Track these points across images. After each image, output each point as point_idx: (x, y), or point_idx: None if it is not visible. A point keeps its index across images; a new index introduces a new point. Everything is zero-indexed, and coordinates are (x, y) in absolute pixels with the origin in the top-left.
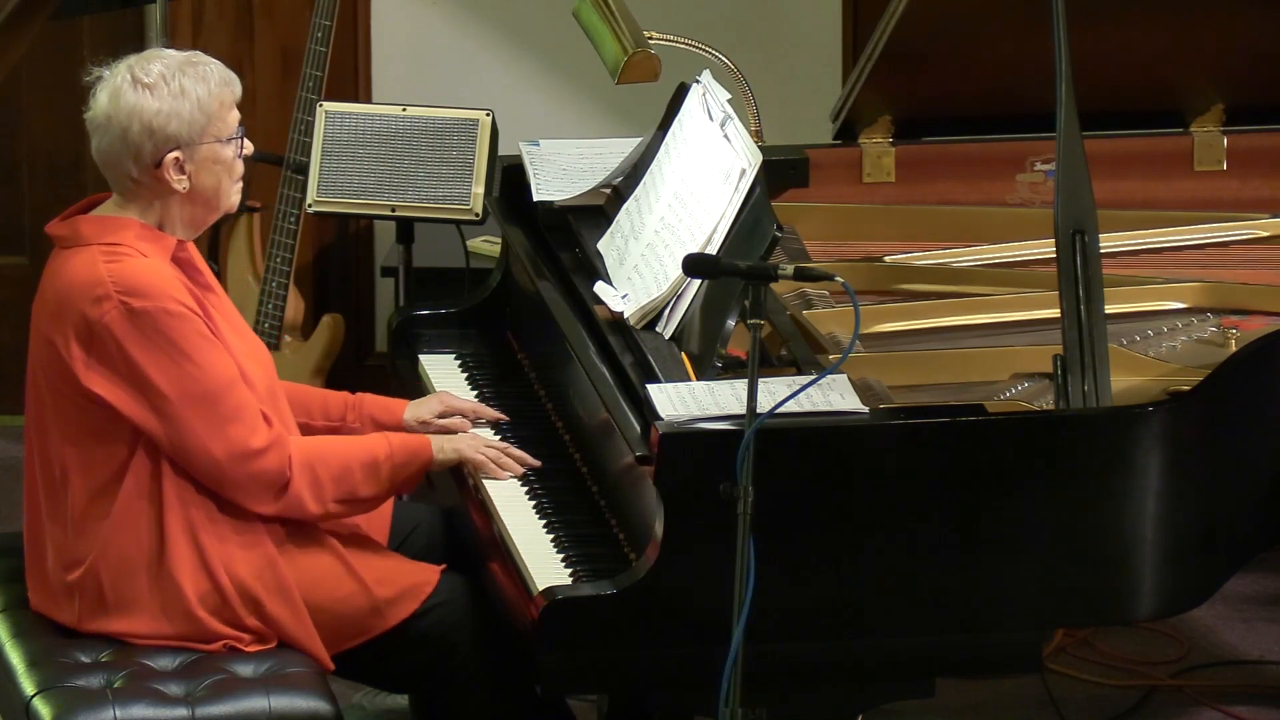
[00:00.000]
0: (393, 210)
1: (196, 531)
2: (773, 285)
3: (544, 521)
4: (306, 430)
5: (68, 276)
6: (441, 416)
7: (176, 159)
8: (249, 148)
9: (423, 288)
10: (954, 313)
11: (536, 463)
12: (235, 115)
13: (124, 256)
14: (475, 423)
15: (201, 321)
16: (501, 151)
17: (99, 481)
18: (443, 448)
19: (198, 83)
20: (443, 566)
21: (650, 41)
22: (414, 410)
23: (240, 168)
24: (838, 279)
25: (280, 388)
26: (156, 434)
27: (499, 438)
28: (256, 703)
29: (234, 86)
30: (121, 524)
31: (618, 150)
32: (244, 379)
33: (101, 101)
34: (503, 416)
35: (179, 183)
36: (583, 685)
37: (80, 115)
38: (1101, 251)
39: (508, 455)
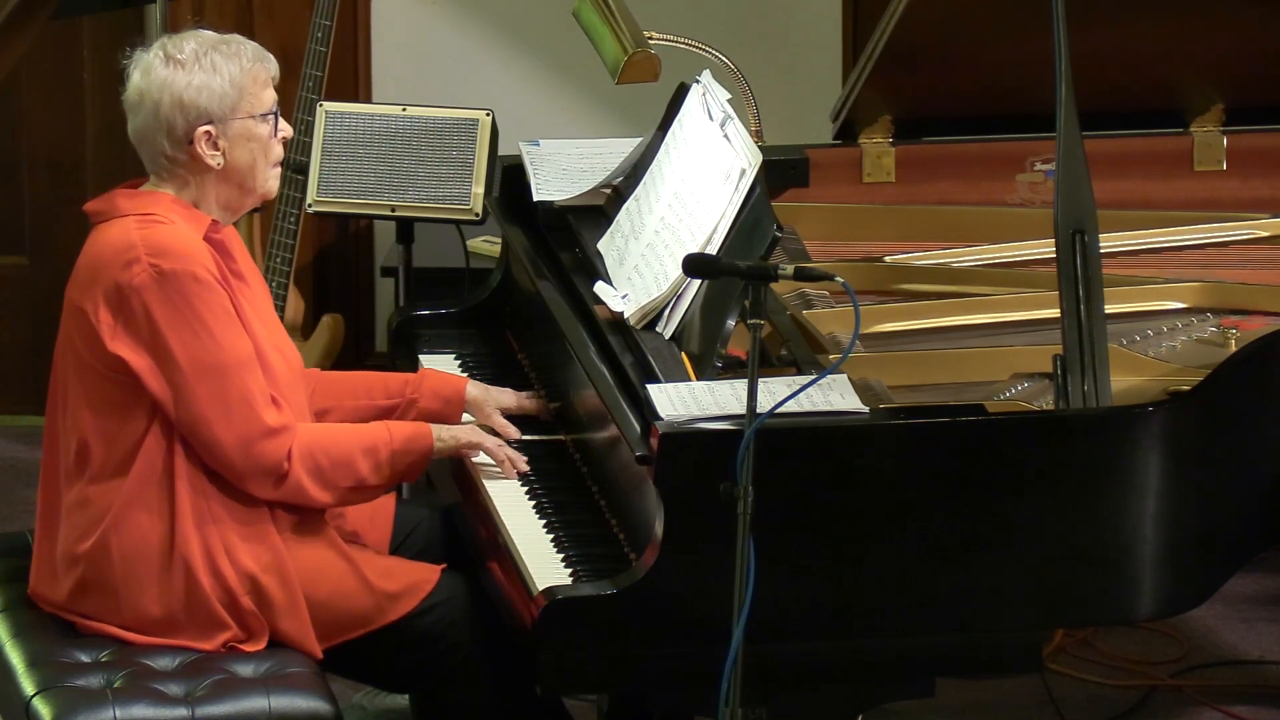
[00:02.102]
0: (393, 210)
1: (204, 512)
2: (773, 285)
3: (544, 521)
4: (368, 408)
5: (101, 245)
6: (505, 412)
7: (208, 133)
8: (286, 130)
9: (423, 288)
10: (954, 313)
11: (525, 467)
12: (271, 94)
13: (157, 224)
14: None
15: (226, 297)
16: (501, 151)
17: (116, 456)
18: (441, 435)
19: (230, 59)
20: (443, 566)
21: (650, 41)
22: (477, 389)
23: (278, 151)
24: (838, 279)
25: (304, 386)
26: (167, 405)
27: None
28: (256, 703)
29: (268, 64)
30: (134, 499)
31: (618, 150)
32: (265, 366)
33: (134, 79)
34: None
35: (213, 158)
36: (583, 685)
37: (80, 115)
38: (1101, 251)
39: (503, 452)
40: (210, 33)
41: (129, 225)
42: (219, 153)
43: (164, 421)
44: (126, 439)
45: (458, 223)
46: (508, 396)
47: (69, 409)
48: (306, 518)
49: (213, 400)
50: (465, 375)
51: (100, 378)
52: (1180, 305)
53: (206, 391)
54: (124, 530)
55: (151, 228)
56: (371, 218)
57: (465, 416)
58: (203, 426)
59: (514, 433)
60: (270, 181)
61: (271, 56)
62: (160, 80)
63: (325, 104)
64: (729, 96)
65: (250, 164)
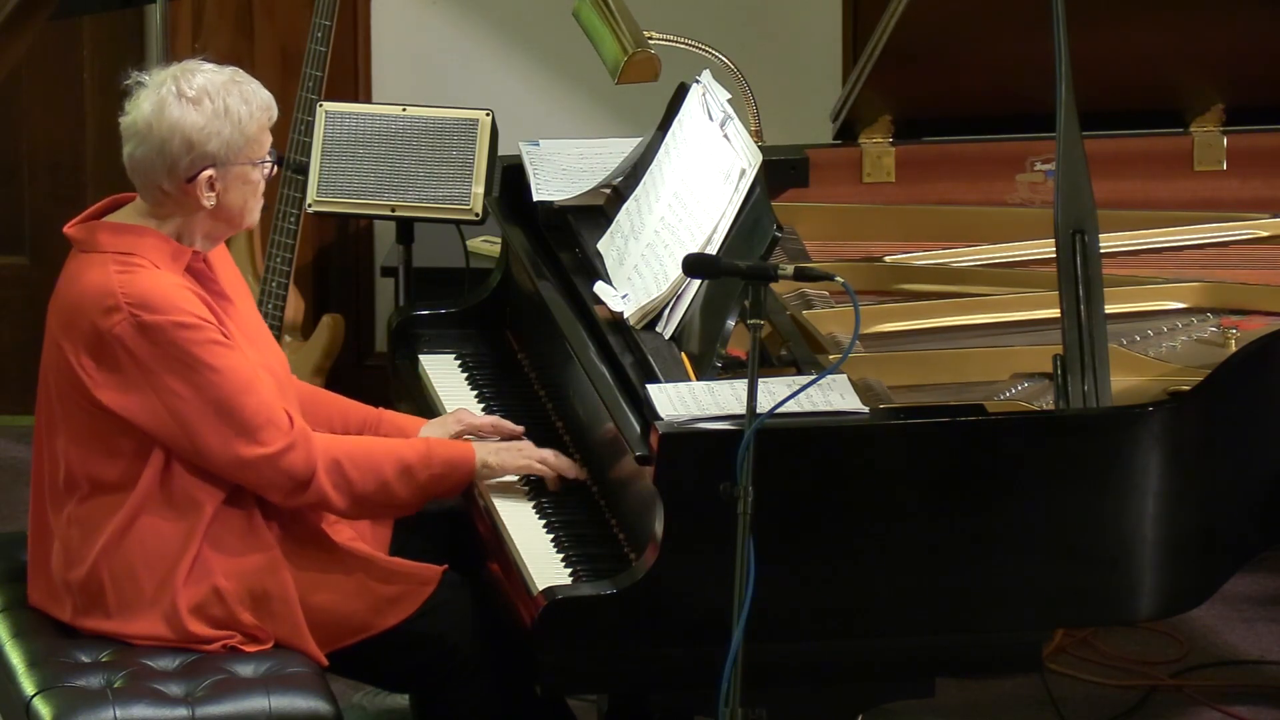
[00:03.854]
0: (393, 210)
1: (200, 539)
2: (773, 285)
3: (544, 521)
4: None
5: (81, 285)
6: (456, 437)
7: (210, 178)
8: (274, 171)
9: (423, 288)
10: (954, 313)
11: (583, 474)
12: (269, 138)
13: (136, 268)
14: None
15: (215, 328)
16: (501, 151)
17: (107, 485)
18: (487, 462)
19: (241, 103)
20: (444, 567)
21: (650, 41)
22: (429, 431)
23: (263, 186)
24: (838, 279)
25: (296, 394)
26: (176, 441)
27: (499, 438)
28: (256, 703)
29: (273, 111)
30: (127, 528)
31: (618, 150)
32: None
33: (144, 110)
34: (520, 429)
35: (208, 200)
36: (583, 685)
37: (80, 115)
38: (1101, 251)
39: (559, 461)
40: (215, 69)
41: (109, 268)
42: (214, 194)
43: (153, 450)
44: (116, 471)
45: (458, 223)
46: (451, 424)
47: (56, 435)
48: (305, 526)
49: (230, 430)
50: (423, 418)
51: (86, 414)
52: (1180, 305)
53: (216, 429)
54: (116, 558)
55: (132, 273)
56: (371, 218)
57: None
58: (222, 456)
59: None
60: (255, 214)
61: (274, 102)
62: (173, 119)
63: (325, 104)
64: (729, 96)
65: (241, 205)
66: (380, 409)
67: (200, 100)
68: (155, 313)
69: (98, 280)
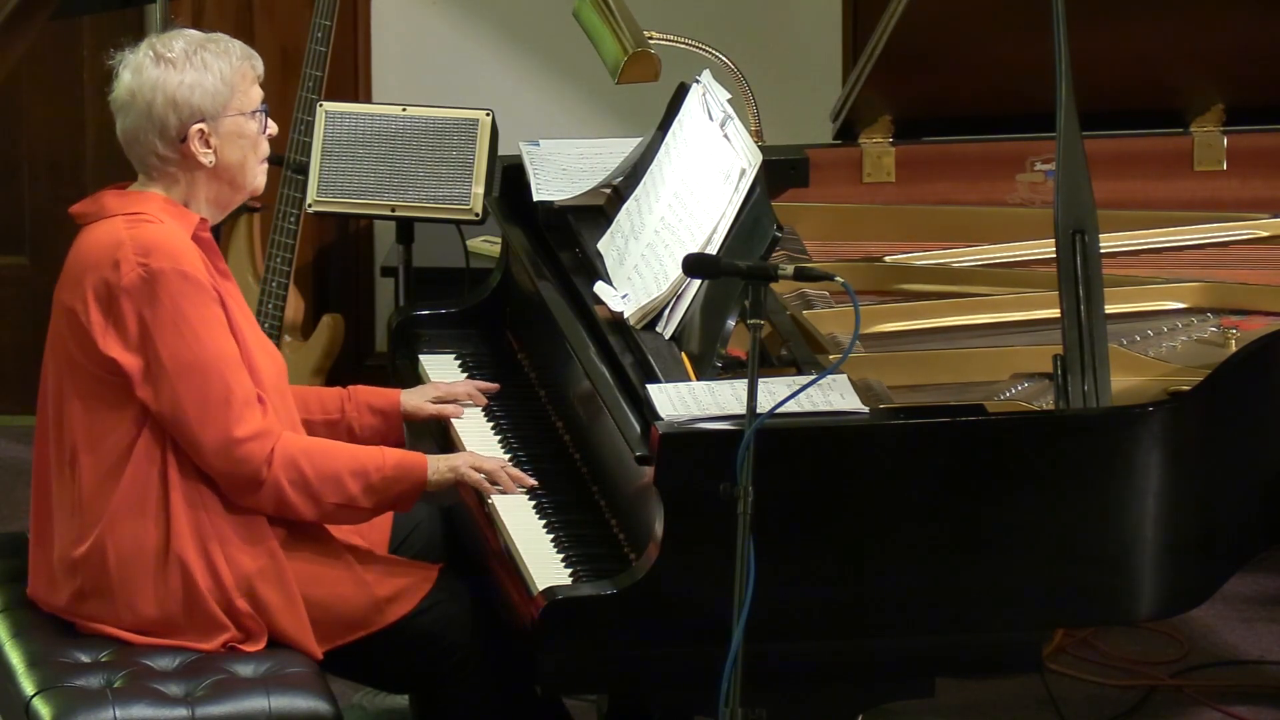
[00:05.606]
0: (393, 210)
1: (200, 515)
2: (773, 285)
3: (544, 521)
4: (307, 426)
5: (89, 245)
6: (436, 401)
7: (201, 131)
8: (273, 127)
9: (423, 288)
10: (954, 313)
11: (533, 482)
12: (259, 91)
13: (145, 222)
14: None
15: (216, 296)
16: (501, 151)
17: (108, 459)
18: (438, 468)
19: (219, 56)
20: (441, 565)
21: (650, 41)
22: (409, 396)
23: (265, 147)
24: (838, 279)
25: (288, 388)
26: (151, 405)
27: (499, 438)
28: (256, 703)
29: (255, 62)
30: (128, 503)
31: (618, 150)
32: (251, 368)
33: (125, 79)
34: (494, 386)
35: (205, 156)
36: (583, 685)
37: (80, 115)
38: (1101, 251)
39: (505, 472)
40: (195, 31)
41: (117, 225)
42: (211, 150)
43: (156, 425)
44: (117, 443)
45: (458, 223)
46: (429, 389)
47: (61, 411)
48: (302, 521)
49: (192, 400)
50: (397, 388)
51: (93, 379)
52: (1180, 305)
53: (186, 391)
54: (118, 535)
55: (140, 226)
56: (371, 218)
57: (468, 440)
58: (183, 427)
59: (458, 411)
60: (259, 177)
61: (257, 55)
62: (152, 80)
63: (325, 104)
64: (729, 96)
65: (240, 161)
66: (351, 386)
67: (178, 59)
68: (162, 259)
69: (107, 238)
